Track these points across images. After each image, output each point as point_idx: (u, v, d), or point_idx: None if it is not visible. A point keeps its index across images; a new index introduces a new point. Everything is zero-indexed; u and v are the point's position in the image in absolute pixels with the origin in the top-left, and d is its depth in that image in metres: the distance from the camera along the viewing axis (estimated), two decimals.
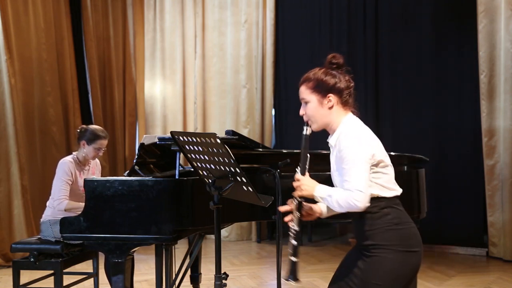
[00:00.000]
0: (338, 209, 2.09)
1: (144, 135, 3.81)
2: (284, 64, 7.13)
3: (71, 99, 6.71)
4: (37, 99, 6.22)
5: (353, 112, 2.25)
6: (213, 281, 2.45)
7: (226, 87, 7.23)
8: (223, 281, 2.43)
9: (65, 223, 3.12)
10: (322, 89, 2.20)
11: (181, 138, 2.39)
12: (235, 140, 3.21)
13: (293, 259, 2.15)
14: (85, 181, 3.16)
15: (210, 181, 2.39)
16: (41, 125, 6.25)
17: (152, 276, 3.85)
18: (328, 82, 2.20)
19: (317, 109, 2.21)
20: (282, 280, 2.51)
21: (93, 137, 3.84)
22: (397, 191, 2.18)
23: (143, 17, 7.51)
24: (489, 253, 5.87)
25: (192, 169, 2.67)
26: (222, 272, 2.44)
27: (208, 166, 2.36)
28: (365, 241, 2.14)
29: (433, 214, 4.99)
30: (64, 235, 3.14)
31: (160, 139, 3.26)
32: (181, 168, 3.40)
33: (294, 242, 2.16)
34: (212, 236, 5.95)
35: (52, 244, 3.69)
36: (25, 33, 6.07)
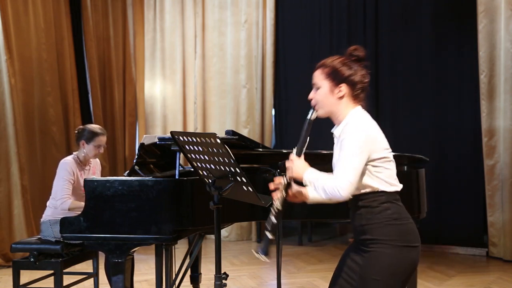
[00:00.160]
0: (323, 195, 2.08)
1: (144, 135, 3.81)
2: (284, 64, 7.13)
3: (71, 99, 6.71)
4: (37, 99, 6.22)
5: (362, 106, 2.23)
6: (213, 281, 2.45)
7: (226, 87, 7.23)
8: (223, 281, 2.43)
9: (65, 223, 3.12)
10: (335, 78, 2.19)
11: (181, 138, 2.39)
12: (235, 140, 3.20)
13: (269, 235, 2.15)
14: (85, 181, 3.16)
15: (210, 181, 2.39)
16: (41, 125, 6.25)
17: (152, 276, 3.85)
18: (343, 72, 2.19)
19: (326, 96, 2.20)
20: (282, 280, 2.51)
21: (91, 135, 3.85)
22: (398, 186, 2.18)
23: (143, 17, 7.51)
24: (489, 253, 5.87)
25: (192, 169, 2.67)
26: (222, 272, 2.44)
27: (208, 166, 2.36)
28: (363, 236, 2.14)
29: (433, 214, 5.00)
30: (64, 235, 3.14)
31: (160, 139, 3.26)
32: (181, 168, 3.40)
33: (274, 220, 2.16)
34: (212, 236, 5.95)
35: (52, 244, 3.69)
36: (25, 33, 6.07)
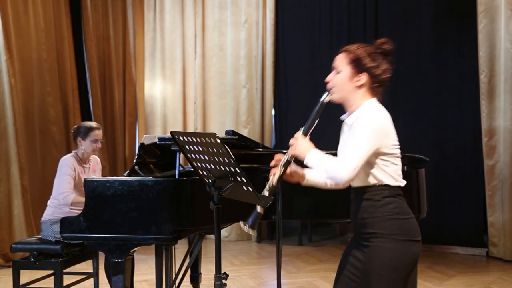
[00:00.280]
0: (324, 176, 2.08)
1: (144, 135, 3.81)
2: (284, 64, 7.13)
3: (71, 99, 6.71)
4: (37, 99, 6.22)
5: (378, 100, 2.21)
6: (213, 281, 2.45)
7: (226, 87, 7.23)
8: (223, 281, 2.43)
9: (65, 223, 3.12)
10: (358, 66, 2.17)
11: (181, 138, 2.39)
12: (235, 140, 3.21)
13: (258, 209, 2.17)
14: (85, 181, 3.16)
15: (210, 181, 2.39)
16: (41, 125, 6.25)
17: (152, 276, 3.85)
18: (365, 63, 2.18)
19: (345, 82, 2.17)
20: (282, 280, 2.51)
21: (86, 131, 3.88)
22: (402, 182, 2.16)
23: (143, 17, 7.51)
24: (489, 253, 5.87)
25: (192, 169, 2.67)
26: (222, 272, 2.44)
27: (208, 166, 2.36)
28: (364, 229, 2.12)
29: (433, 214, 5.00)
30: (64, 235, 3.14)
31: (160, 139, 3.26)
32: (181, 168, 3.40)
33: (266, 193, 2.18)
34: (212, 236, 5.95)
35: (52, 244, 3.69)
36: (25, 33, 6.07)
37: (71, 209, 3.78)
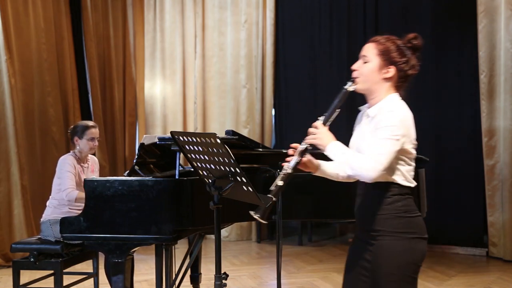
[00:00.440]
0: (347, 170, 2.05)
1: (144, 135, 3.81)
2: (284, 64, 7.13)
3: (71, 99, 6.71)
4: (37, 99, 6.22)
5: (400, 95, 2.19)
6: (213, 281, 2.45)
7: (226, 87, 7.23)
8: (223, 281, 2.43)
9: (65, 223, 3.12)
10: (387, 58, 2.17)
11: (181, 138, 2.39)
12: (235, 140, 3.21)
13: (279, 182, 2.13)
14: (85, 181, 3.17)
15: (210, 181, 2.39)
16: (41, 125, 6.25)
17: (152, 276, 3.85)
18: (394, 56, 2.18)
19: (373, 72, 2.16)
20: (282, 280, 2.51)
21: (82, 129, 3.91)
22: (412, 183, 2.14)
23: (143, 17, 7.51)
24: (489, 253, 5.87)
25: (192, 169, 2.67)
26: (222, 272, 2.44)
27: (208, 166, 2.36)
28: (371, 226, 2.10)
29: (433, 214, 4.99)
30: (64, 235, 3.14)
31: (160, 139, 3.26)
32: (181, 168, 3.40)
33: (280, 182, 2.13)
34: (212, 236, 5.95)
35: (52, 244, 3.70)
36: (25, 33, 6.07)
37: (70, 209, 3.79)
